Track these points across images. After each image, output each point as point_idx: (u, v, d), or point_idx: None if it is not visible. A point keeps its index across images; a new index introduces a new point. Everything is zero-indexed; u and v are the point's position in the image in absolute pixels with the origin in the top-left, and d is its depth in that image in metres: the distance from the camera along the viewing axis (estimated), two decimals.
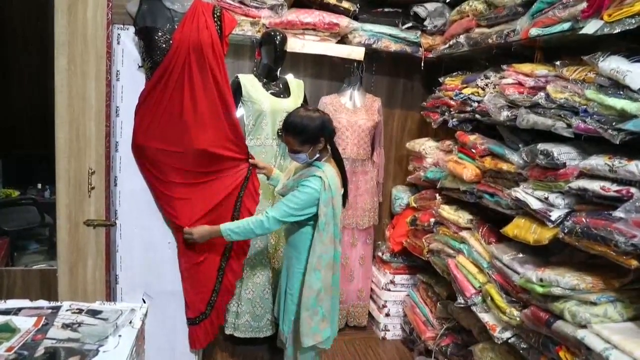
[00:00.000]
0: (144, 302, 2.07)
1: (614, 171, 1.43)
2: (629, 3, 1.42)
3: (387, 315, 3.14)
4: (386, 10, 3.06)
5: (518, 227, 1.87)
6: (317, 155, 1.99)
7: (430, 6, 2.98)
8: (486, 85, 2.28)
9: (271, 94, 2.62)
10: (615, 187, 1.44)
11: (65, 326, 1.30)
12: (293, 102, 2.66)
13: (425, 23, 3.02)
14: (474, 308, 2.15)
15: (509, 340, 1.91)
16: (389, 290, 3.13)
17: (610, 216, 1.42)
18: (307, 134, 1.90)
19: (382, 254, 3.25)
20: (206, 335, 2.20)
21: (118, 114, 1.96)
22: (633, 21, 1.41)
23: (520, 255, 1.94)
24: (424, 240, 2.75)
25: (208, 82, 1.96)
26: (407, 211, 3.21)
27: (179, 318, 2.16)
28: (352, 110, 3.00)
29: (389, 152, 3.38)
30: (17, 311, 1.36)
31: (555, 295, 1.59)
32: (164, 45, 1.90)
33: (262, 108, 2.56)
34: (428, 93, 3.04)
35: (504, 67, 2.10)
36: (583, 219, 1.53)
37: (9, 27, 3.32)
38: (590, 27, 1.56)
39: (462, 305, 2.21)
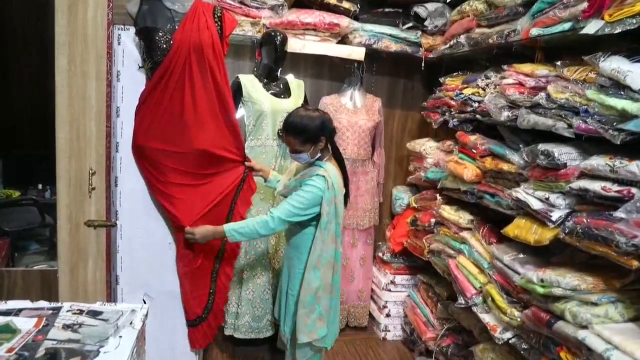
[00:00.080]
0: (145, 302, 2.07)
1: (614, 171, 1.43)
2: (630, 3, 1.42)
3: (388, 315, 3.14)
4: (386, 10, 3.06)
5: (519, 228, 1.87)
6: (319, 155, 1.99)
7: (431, 6, 2.98)
8: (487, 85, 2.28)
9: (272, 94, 2.62)
10: (616, 187, 1.44)
11: (66, 327, 1.30)
12: (293, 102, 2.65)
13: (426, 23, 3.02)
14: (474, 308, 2.14)
15: (510, 341, 1.91)
16: (390, 290, 3.13)
17: (611, 216, 1.42)
18: (308, 134, 1.90)
19: (383, 255, 3.25)
20: (205, 337, 2.21)
21: (118, 114, 1.96)
22: (634, 21, 1.41)
23: (521, 255, 1.94)
24: (424, 240, 2.75)
25: (208, 83, 1.96)
26: (407, 211, 3.21)
27: (179, 318, 2.16)
28: (353, 111, 3.00)
29: (389, 153, 3.38)
30: (17, 312, 1.36)
31: (556, 296, 1.59)
32: (164, 46, 1.90)
33: (263, 108, 2.56)
34: (428, 93, 3.03)
35: (505, 67, 2.10)
36: (584, 220, 1.53)
37: (9, 27, 3.32)
38: (591, 27, 1.56)
39: (462, 306, 2.21)
